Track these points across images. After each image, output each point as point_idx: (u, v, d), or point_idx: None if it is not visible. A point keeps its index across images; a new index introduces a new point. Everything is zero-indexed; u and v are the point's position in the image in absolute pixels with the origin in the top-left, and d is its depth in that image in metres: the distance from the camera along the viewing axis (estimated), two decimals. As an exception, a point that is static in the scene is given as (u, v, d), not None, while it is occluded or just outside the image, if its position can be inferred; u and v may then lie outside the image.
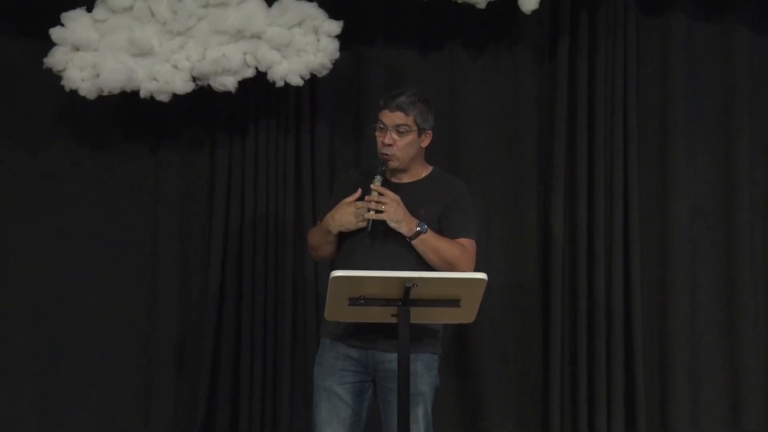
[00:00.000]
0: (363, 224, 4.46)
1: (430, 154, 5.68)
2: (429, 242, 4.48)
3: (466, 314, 4.27)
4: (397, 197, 4.47)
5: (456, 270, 4.49)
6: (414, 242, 4.48)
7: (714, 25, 5.82)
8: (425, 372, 4.50)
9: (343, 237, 4.57)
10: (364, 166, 4.91)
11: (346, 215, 4.50)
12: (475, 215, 4.68)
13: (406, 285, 4.09)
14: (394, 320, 4.16)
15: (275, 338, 5.64)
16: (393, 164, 4.56)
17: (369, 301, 4.16)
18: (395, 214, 4.45)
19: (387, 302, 4.15)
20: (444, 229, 4.54)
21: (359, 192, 4.50)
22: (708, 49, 5.84)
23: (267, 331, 5.62)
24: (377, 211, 4.44)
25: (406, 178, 4.61)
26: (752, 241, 5.80)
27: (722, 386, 5.78)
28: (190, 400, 5.66)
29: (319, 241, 4.63)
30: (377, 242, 4.50)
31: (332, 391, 4.50)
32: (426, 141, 4.64)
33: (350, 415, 4.52)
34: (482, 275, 4.17)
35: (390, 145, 4.55)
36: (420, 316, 4.22)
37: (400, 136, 4.56)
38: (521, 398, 5.76)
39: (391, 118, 4.57)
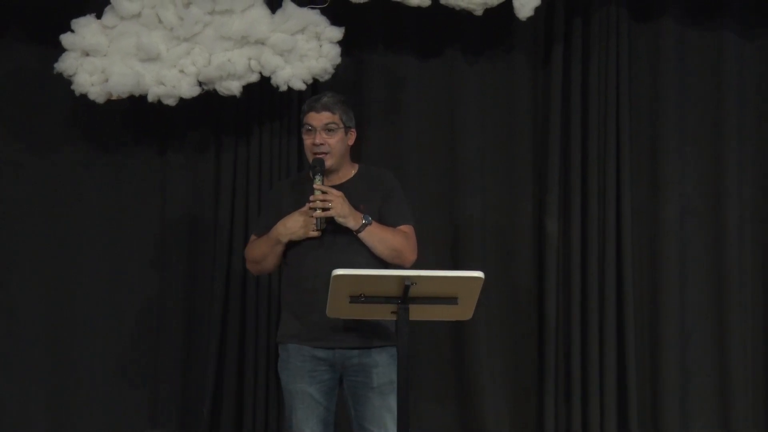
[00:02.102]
0: (314, 233, 4.56)
1: (427, 155, 5.82)
2: (375, 233, 4.59)
3: (463, 312, 4.32)
4: (340, 193, 4.57)
5: (402, 256, 4.62)
6: (361, 235, 4.58)
7: (704, 31, 5.89)
8: (392, 362, 4.53)
9: (289, 244, 4.65)
10: (294, 177, 5.01)
11: (298, 223, 4.59)
12: (409, 200, 4.79)
13: (406, 283, 4.12)
14: (393, 317, 4.21)
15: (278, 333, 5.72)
16: (328, 162, 4.64)
17: (369, 299, 4.19)
18: (342, 209, 4.54)
19: (386, 300, 4.19)
20: (383, 219, 4.65)
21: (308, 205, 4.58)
22: (698, 54, 5.91)
23: (270, 325, 5.65)
24: (324, 209, 4.54)
25: (337, 180, 4.70)
26: (741, 241, 5.85)
27: (712, 384, 5.82)
28: (196, 396, 5.68)
29: (265, 252, 4.68)
30: (327, 241, 4.59)
31: (306, 393, 4.57)
32: (351, 139, 4.75)
33: (323, 412, 4.59)
34: (479, 274, 4.22)
35: (321, 144, 4.65)
36: (419, 313, 4.26)
37: (330, 135, 4.66)
38: (516, 397, 5.80)
39: (318, 118, 4.67)
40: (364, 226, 4.58)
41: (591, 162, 5.80)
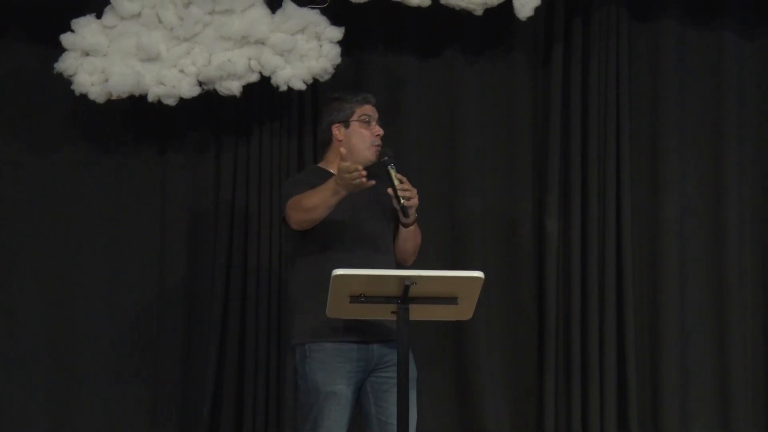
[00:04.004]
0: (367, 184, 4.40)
1: (427, 155, 5.84)
2: (416, 229, 4.69)
3: (463, 312, 4.33)
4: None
5: (416, 253, 4.73)
6: (410, 228, 4.65)
7: (704, 31, 5.90)
8: (413, 358, 4.58)
9: (319, 239, 4.59)
10: (308, 170, 4.97)
11: (350, 179, 4.39)
12: None
13: (406, 283, 4.13)
14: (393, 317, 4.21)
15: (279, 335, 5.67)
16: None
17: (369, 299, 4.19)
18: (417, 202, 4.59)
19: (387, 300, 4.19)
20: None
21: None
22: (698, 54, 5.91)
23: (271, 325, 5.65)
24: (407, 199, 4.54)
25: None
26: (741, 241, 5.86)
27: (712, 384, 5.82)
28: (196, 396, 5.68)
29: (317, 203, 4.48)
30: (363, 236, 4.59)
31: (341, 394, 4.52)
32: None
33: (350, 413, 4.57)
34: (479, 273, 4.23)
35: (381, 136, 4.71)
36: (419, 313, 4.27)
37: (380, 129, 4.74)
38: (516, 397, 5.80)
39: (374, 111, 4.75)
40: (415, 220, 4.64)
41: (591, 162, 5.80)
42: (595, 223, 5.78)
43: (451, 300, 4.25)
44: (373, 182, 4.44)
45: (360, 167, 4.39)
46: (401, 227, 4.72)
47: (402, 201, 4.52)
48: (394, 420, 4.47)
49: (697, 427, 5.82)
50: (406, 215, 4.57)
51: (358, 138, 4.71)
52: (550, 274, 5.76)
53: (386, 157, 4.59)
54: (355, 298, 4.20)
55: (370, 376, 4.60)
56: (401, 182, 4.54)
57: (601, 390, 5.72)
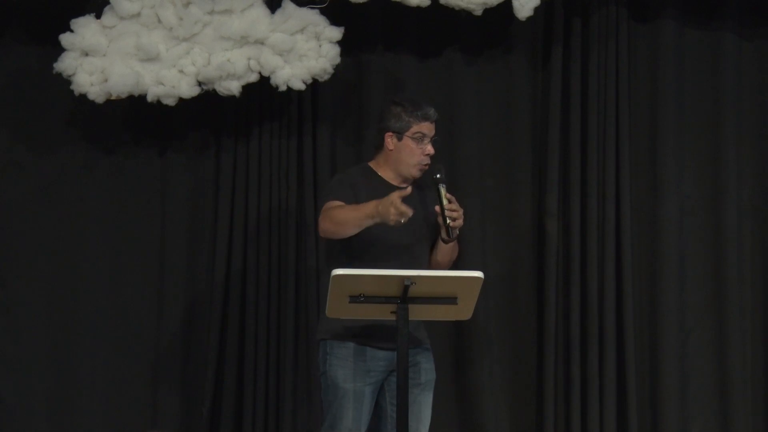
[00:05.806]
0: (401, 222, 4.42)
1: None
2: (455, 245, 4.72)
3: (463, 312, 4.35)
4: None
5: (449, 266, 4.72)
6: (451, 244, 4.67)
7: (703, 32, 5.90)
8: (432, 361, 4.71)
9: (365, 248, 4.60)
10: (354, 168, 4.94)
11: (392, 212, 4.38)
12: None
13: (405, 283, 4.15)
14: (393, 317, 4.22)
15: (278, 333, 5.67)
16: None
17: (369, 299, 4.21)
18: (462, 222, 4.59)
19: (386, 300, 4.21)
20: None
21: (409, 190, 4.45)
22: (697, 55, 5.91)
23: (270, 326, 5.65)
24: (453, 219, 4.54)
25: (405, 184, 4.71)
26: (739, 240, 5.85)
27: (712, 385, 5.82)
28: (196, 394, 5.69)
29: (349, 219, 4.50)
30: (403, 246, 4.61)
31: (360, 392, 4.56)
32: None
33: (369, 410, 4.60)
34: (479, 274, 4.25)
35: (431, 155, 4.70)
36: (418, 313, 4.29)
37: (431, 148, 4.73)
38: (516, 397, 5.81)
39: (431, 129, 4.75)
40: (456, 237, 4.65)
41: (591, 162, 5.80)
42: (595, 223, 5.78)
43: (451, 300, 4.27)
44: (403, 220, 4.40)
45: (410, 213, 4.37)
46: (440, 241, 4.74)
47: (448, 221, 4.53)
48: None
49: (697, 427, 5.82)
50: (450, 235, 4.57)
51: (408, 154, 4.72)
52: (550, 274, 5.75)
53: (438, 175, 4.59)
54: (355, 298, 4.21)
55: (390, 375, 4.62)
56: (450, 202, 4.55)
57: (601, 390, 5.72)
